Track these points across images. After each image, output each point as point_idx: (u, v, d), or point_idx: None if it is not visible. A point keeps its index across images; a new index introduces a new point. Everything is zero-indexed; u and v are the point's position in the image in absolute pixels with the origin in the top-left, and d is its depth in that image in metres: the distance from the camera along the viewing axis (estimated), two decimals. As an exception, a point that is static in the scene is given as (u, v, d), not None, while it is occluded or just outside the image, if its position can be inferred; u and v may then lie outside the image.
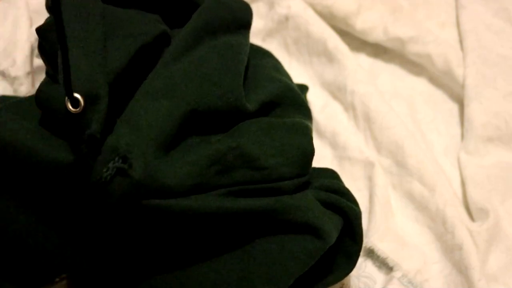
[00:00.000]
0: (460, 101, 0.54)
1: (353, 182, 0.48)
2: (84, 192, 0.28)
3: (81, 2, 0.31)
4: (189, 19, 0.36)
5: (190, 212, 0.29)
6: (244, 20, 0.39)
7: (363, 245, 0.36)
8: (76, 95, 0.27)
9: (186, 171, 0.29)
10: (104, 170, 0.27)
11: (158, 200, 0.28)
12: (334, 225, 0.33)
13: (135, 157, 0.27)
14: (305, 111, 0.40)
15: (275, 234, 0.32)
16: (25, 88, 0.48)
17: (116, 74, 0.29)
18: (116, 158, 0.27)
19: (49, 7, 0.32)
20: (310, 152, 0.34)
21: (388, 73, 0.57)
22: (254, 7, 0.58)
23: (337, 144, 0.49)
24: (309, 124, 0.39)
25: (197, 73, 0.32)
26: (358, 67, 0.52)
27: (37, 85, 0.44)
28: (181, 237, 0.31)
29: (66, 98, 0.27)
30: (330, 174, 0.39)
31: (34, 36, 0.50)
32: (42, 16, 0.33)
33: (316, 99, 0.54)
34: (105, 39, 0.30)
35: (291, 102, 0.39)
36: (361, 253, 0.36)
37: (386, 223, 0.43)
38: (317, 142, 0.51)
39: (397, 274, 0.41)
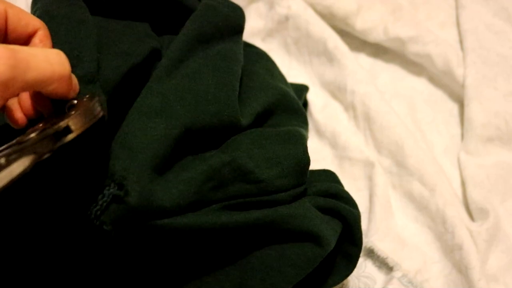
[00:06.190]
0: (460, 101, 0.54)
1: (353, 182, 0.48)
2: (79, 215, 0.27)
3: (72, 18, 0.30)
4: (180, 24, 0.35)
5: (187, 229, 0.28)
6: (237, 25, 0.38)
7: (363, 245, 0.36)
8: None
9: (182, 190, 0.29)
10: (99, 197, 0.27)
11: (154, 220, 0.27)
12: (333, 231, 0.33)
13: (131, 183, 0.27)
14: (301, 117, 0.39)
15: (274, 243, 0.32)
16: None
17: (106, 92, 0.29)
18: (112, 184, 0.27)
19: None
20: (306, 162, 0.34)
21: (388, 73, 0.57)
22: (254, 7, 0.58)
23: (337, 144, 0.49)
24: (304, 130, 0.38)
25: (192, 90, 0.32)
26: (358, 67, 0.52)
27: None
28: (179, 252, 0.31)
29: None
30: (328, 177, 0.39)
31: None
32: (42, 16, 0.33)
33: (316, 99, 0.54)
34: (98, 59, 0.30)
35: (285, 108, 0.38)
36: (361, 253, 0.36)
37: (386, 223, 0.43)
38: (317, 142, 0.51)
39: (397, 274, 0.41)
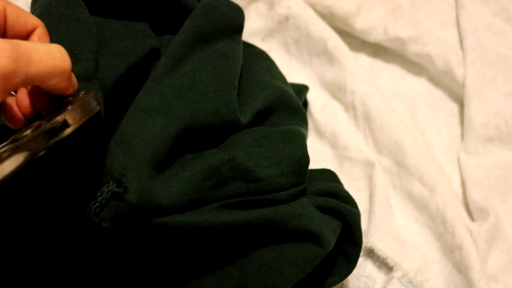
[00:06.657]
0: (460, 101, 0.54)
1: (353, 182, 0.48)
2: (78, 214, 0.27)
3: (71, 17, 0.30)
4: (180, 24, 0.35)
5: (186, 227, 0.28)
6: (236, 24, 0.38)
7: (363, 245, 0.36)
8: None
9: (181, 188, 0.29)
10: (98, 194, 0.26)
11: (153, 218, 0.27)
12: (333, 231, 0.33)
13: (130, 180, 0.27)
14: (300, 116, 0.39)
15: (274, 243, 0.32)
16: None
17: (105, 90, 0.29)
18: (111, 182, 0.26)
19: None
20: (305, 161, 0.34)
21: (388, 73, 0.57)
22: (254, 7, 0.58)
23: (337, 144, 0.49)
24: (304, 130, 0.38)
25: (191, 88, 0.32)
26: (358, 67, 0.52)
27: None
28: (178, 251, 0.31)
29: None
30: (327, 176, 0.39)
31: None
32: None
33: (316, 99, 0.54)
34: (96, 58, 0.30)
35: (285, 107, 0.38)
36: (361, 253, 0.36)
37: (386, 223, 0.43)
38: (317, 142, 0.51)
39: (397, 274, 0.41)
